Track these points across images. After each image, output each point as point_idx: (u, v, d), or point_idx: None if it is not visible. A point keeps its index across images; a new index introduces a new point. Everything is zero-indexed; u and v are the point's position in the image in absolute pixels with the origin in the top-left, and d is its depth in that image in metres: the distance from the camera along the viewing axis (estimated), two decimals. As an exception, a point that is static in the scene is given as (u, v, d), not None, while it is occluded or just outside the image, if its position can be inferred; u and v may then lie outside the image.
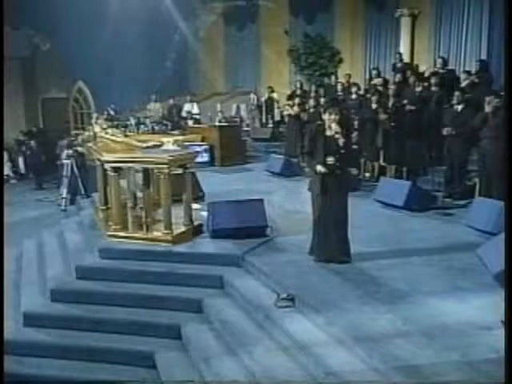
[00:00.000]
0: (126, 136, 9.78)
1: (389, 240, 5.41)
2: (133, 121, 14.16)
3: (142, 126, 14.14)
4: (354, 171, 5.08)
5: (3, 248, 5.72)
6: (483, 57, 10.63)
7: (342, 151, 4.63)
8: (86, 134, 13.48)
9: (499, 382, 2.57)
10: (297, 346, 3.61)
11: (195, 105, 14.37)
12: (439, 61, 9.50)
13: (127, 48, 15.44)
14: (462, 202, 6.99)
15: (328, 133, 4.68)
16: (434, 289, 4.09)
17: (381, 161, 8.59)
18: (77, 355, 4.54)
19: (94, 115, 14.09)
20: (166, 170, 5.36)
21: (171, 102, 14.50)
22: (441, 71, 9.21)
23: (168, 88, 16.32)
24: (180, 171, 5.72)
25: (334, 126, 4.61)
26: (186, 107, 14.36)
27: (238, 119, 14.04)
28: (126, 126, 13.88)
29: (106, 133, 10.56)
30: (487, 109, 6.67)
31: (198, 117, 13.63)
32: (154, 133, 13.19)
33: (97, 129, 13.18)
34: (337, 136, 4.60)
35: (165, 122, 14.00)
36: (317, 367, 3.36)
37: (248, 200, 5.74)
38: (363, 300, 3.93)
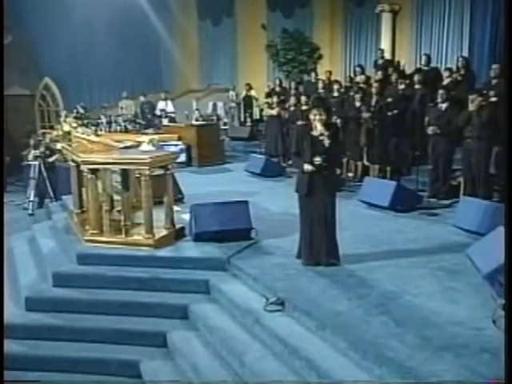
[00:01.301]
0: (98, 135, 9.72)
1: (376, 241, 5.55)
2: (104, 119, 14.04)
3: (113, 125, 14.04)
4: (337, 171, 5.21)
5: (3, 248, 5.66)
6: (465, 54, 10.92)
7: (329, 151, 4.70)
8: (55, 133, 13.30)
9: (499, 382, 2.69)
10: (289, 350, 3.70)
11: (170, 102, 14.34)
12: (424, 58, 9.74)
13: (97, 43, 15.29)
14: (447, 202, 7.23)
15: (314, 133, 4.77)
16: (424, 290, 4.23)
17: (364, 160, 8.77)
18: (55, 367, 4.53)
19: (63, 113, 13.90)
20: (147, 171, 5.38)
21: (143, 99, 14.44)
22: (424, 68, 9.45)
23: (140, 85, 16.25)
24: (161, 172, 5.75)
25: (319, 126, 4.69)
26: (160, 105, 14.32)
27: (214, 117, 14.08)
28: (96, 125, 13.76)
29: (77, 131, 10.46)
30: (471, 107, 6.89)
31: (173, 115, 13.61)
32: (126, 132, 13.13)
33: (66, 128, 13.04)
34: (321, 138, 4.67)
35: (138, 120, 13.94)
36: (310, 371, 3.46)
37: (232, 202, 5.81)
38: (354, 302, 4.04)
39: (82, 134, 9.72)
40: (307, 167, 4.68)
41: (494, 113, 6.72)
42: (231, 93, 14.79)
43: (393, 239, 5.63)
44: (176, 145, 10.77)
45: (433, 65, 10.23)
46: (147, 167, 5.35)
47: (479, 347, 3.31)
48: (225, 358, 4.03)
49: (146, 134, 11.48)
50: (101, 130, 13.52)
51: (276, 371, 3.63)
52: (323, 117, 4.67)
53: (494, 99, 7.31)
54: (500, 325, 3.54)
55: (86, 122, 13.91)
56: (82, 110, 14.34)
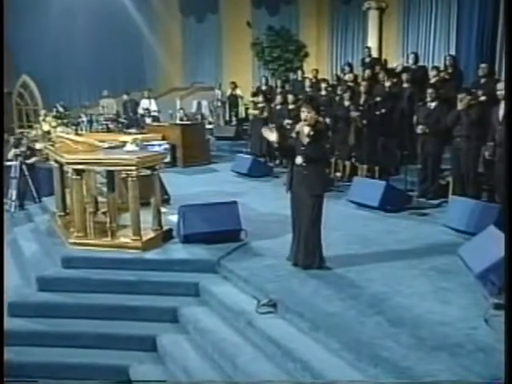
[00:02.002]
0: (78, 135, 9.67)
1: (366, 242, 5.63)
2: (85, 118, 13.98)
3: (94, 124, 13.99)
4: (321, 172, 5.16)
5: (3, 248, 5.62)
6: (452, 52, 11.11)
7: (307, 151, 4.70)
8: (34, 132, 13.20)
9: (499, 382, 2.77)
10: (282, 352, 3.75)
11: (153, 101, 14.32)
12: (411, 56, 9.88)
13: (77, 40, 15.21)
14: (436, 202, 7.35)
15: (296, 131, 4.81)
16: (416, 290, 4.31)
17: (353, 160, 8.86)
18: (41, 373, 4.51)
19: (42, 112, 13.80)
20: (135, 172, 5.39)
21: (126, 97, 14.39)
22: (412, 67, 9.58)
23: (122, 83, 16.19)
24: (148, 173, 5.76)
25: (306, 129, 4.72)
26: (143, 103, 14.29)
27: (199, 116, 14.10)
28: (77, 124, 13.71)
29: (56, 131, 10.40)
30: (460, 106, 7.02)
31: (156, 114, 13.59)
32: (108, 131, 13.08)
33: (45, 127, 12.95)
34: (306, 140, 4.70)
35: (120, 119, 13.89)
36: (304, 372, 3.51)
37: (221, 203, 5.84)
38: (347, 303, 4.10)
39: (67, 134, 9.69)
40: (298, 160, 4.72)
41: (482, 112, 6.86)
42: (216, 91, 14.81)
43: (383, 239, 5.72)
44: (160, 144, 10.77)
45: (420, 63, 10.39)
46: (135, 168, 5.36)
47: (473, 346, 3.40)
48: (217, 360, 4.06)
49: (129, 133, 11.47)
50: (81, 129, 13.47)
51: (269, 373, 3.67)
52: (310, 115, 4.71)
53: (483, 98, 7.46)
54: (492, 324, 3.64)
55: (65, 121, 13.84)
56: (61, 109, 14.26)
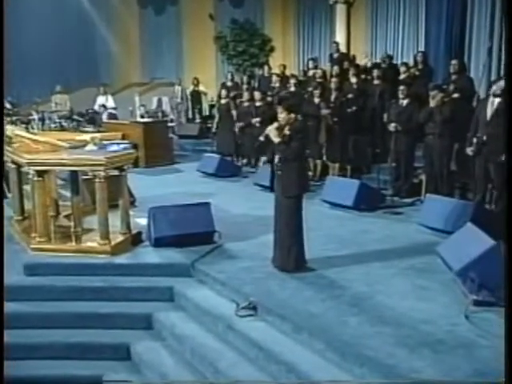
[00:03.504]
0: (32, 134, 9.50)
1: (343, 242, 5.84)
2: (36, 116, 13.71)
3: (47, 122, 13.74)
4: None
5: (3, 249, 5.51)
6: (421, 48, 11.52)
7: (277, 152, 4.87)
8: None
9: (499, 381, 2.98)
10: (265, 355, 3.88)
11: (110, 97, 14.21)
12: (384, 56, 10.18)
13: (25, 31, 14.90)
14: (410, 200, 7.66)
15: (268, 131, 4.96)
16: (396, 289, 4.53)
17: (324, 158, 9.10)
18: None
19: (-14, 109, 13.43)
20: (103, 173, 5.41)
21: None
22: (383, 64, 9.90)
23: (75, 78, 15.98)
24: (116, 173, 5.78)
25: (274, 130, 4.84)
26: (100, 100, 14.17)
27: (160, 114, 14.06)
28: (27, 122, 13.41)
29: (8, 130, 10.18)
30: (432, 103, 7.34)
31: (114, 111, 13.49)
32: (62, 130, 12.89)
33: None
34: (277, 140, 4.83)
35: (75, 117, 13.72)
36: (288, 374, 3.65)
37: (193, 204, 5.92)
38: (328, 304, 4.28)
39: (29, 133, 9.50)
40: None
41: (455, 109, 7.19)
42: (177, 87, 14.81)
43: (360, 239, 5.94)
44: (118, 144, 10.67)
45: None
46: (103, 168, 5.38)
47: (455, 342, 3.62)
48: (196, 366, 4.16)
49: (86, 132, 11.36)
50: (32, 127, 13.18)
51: (252, 377, 3.79)
52: (282, 116, 4.86)
53: (455, 95, 7.81)
54: (473, 320, 3.89)
55: (14, 118, 13.52)
56: (9, 106, 13.92)
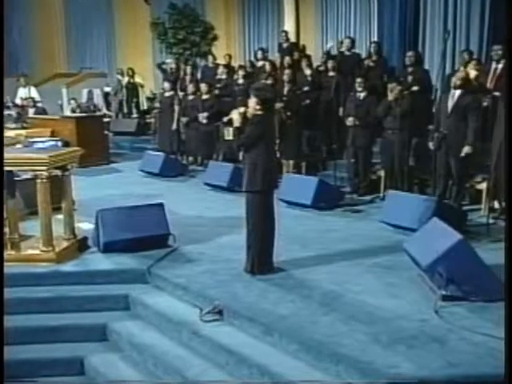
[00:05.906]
0: None
1: (306, 242, 6.15)
2: None
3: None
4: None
5: (3, 250, 5.37)
6: (374, 38, 12.05)
7: (238, 141, 5.14)
8: None
9: (499, 381, 3.32)
10: (235, 359, 4.10)
11: (33, 89, 14.00)
12: (346, 41, 10.53)
13: None
14: (369, 198, 8.09)
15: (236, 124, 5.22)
16: (365, 287, 4.87)
17: (277, 155, 9.38)
18: None
19: None
20: (45, 173, 5.45)
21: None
22: (346, 53, 10.27)
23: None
24: (59, 173, 5.84)
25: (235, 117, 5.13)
26: (21, 92, 13.93)
27: (92, 107, 13.98)
28: None
29: None
30: (390, 97, 7.80)
31: (40, 105, 13.29)
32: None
33: None
34: (237, 124, 5.11)
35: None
36: (262, 377, 3.89)
37: (145, 205, 6.07)
38: (298, 304, 4.55)
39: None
40: None
41: (414, 103, 7.67)
42: (109, 79, 14.76)
43: (322, 238, 6.27)
44: (43, 141, 10.53)
45: (341, 50, 11.16)
46: (46, 168, 5.42)
47: (427, 337, 3.98)
48: (161, 376, 4.32)
49: (9, 128, 11.17)
50: None
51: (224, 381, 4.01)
52: (252, 104, 5.07)
53: (415, 88, 8.32)
54: (442, 315, 4.27)
55: None
56: None
